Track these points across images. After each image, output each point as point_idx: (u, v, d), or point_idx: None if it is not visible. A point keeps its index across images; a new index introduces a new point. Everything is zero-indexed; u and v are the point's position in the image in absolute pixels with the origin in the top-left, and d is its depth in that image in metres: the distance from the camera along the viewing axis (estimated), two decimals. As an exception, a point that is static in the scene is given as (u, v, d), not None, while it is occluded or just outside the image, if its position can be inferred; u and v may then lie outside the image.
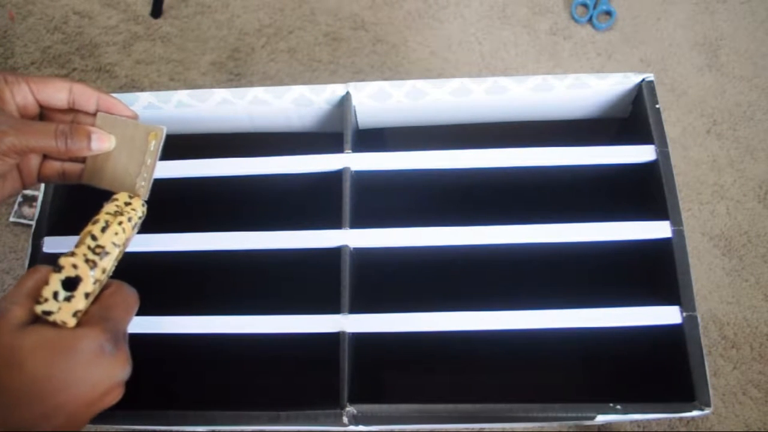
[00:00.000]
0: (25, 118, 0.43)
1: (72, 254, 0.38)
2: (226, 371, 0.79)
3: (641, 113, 0.60)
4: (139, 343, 0.51)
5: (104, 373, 0.36)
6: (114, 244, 0.40)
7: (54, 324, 0.36)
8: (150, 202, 0.46)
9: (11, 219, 1.00)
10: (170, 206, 0.61)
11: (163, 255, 0.57)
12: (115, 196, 0.43)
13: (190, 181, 0.59)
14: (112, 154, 0.45)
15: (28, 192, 1.01)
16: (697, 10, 1.11)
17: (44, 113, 0.45)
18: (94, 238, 0.39)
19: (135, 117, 0.46)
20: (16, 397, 0.33)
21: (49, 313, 0.36)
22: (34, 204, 1.01)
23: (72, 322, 0.36)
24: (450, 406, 0.51)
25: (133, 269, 0.44)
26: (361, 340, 0.56)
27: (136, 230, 0.43)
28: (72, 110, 0.45)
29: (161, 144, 0.45)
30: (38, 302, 0.36)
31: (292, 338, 0.55)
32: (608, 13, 1.11)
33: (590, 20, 1.10)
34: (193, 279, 0.70)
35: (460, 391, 0.77)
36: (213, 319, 0.55)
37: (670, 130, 1.01)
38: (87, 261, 0.38)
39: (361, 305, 0.56)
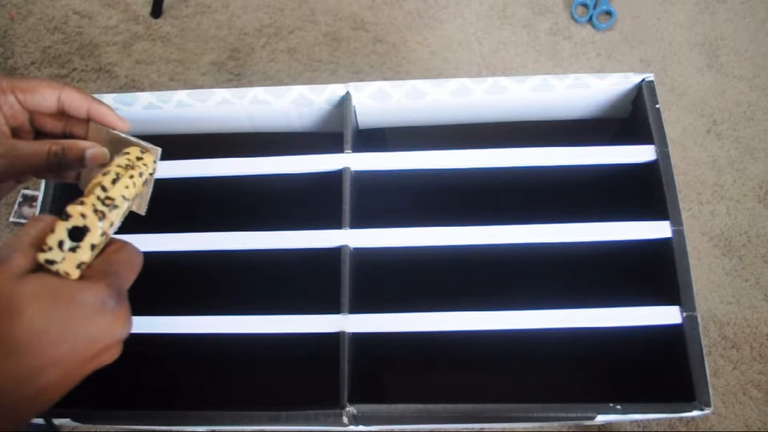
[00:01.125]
0: (13, 126, 0.43)
1: (81, 203, 0.36)
2: (226, 371, 0.79)
3: (641, 113, 0.60)
4: (139, 343, 0.51)
5: (104, 329, 0.35)
6: (123, 197, 0.39)
7: (56, 274, 0.34)
8: (150, 203, 0.45)
9: (11, 219, 1.00)
10: (170, 206, 0.61)
11: (163, 255, 0.57)
12: (126, 150, 0.42)
13: (190, 181, 0.59)
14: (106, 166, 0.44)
15: (28, 192, 1.01)
16: (697, 10, 1.11)
17: (34, 117, 0.44)
18: (104, 189, 0.38)
19: (126, 128, 0.45)
20: (11, 347, 0.32)
21: (52, 262, 0.34)
22: (34, 204, 1.01)
23: (75, 273, 0.35)
24: (450, 406, 0.51)
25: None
26: (361, 340, 0.56)
27: (149, 188, 0.43)
28: (63, 115, 0.44)
29: (156, 164, 0.44)
30: (41, 250, 0.34)
31: (292, 338, 0.54)
32: (608, 13, 1.11)
33: (590, 20, 1.10)
34: (193, 279, 0.70)
35: (460, 391, 0.77)
36: (213, 319, 0.55)
37: (670, 130, 1.01)
38: (96, 211, 0.36)
39: (361, 305, 0.56)
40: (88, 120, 0.44)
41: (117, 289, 0.35)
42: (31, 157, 0.41)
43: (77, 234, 0.36)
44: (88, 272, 0.36)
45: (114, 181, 0.39)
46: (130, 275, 0.37)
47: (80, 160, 0.42)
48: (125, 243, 0.38)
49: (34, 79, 0.43)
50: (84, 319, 0.34)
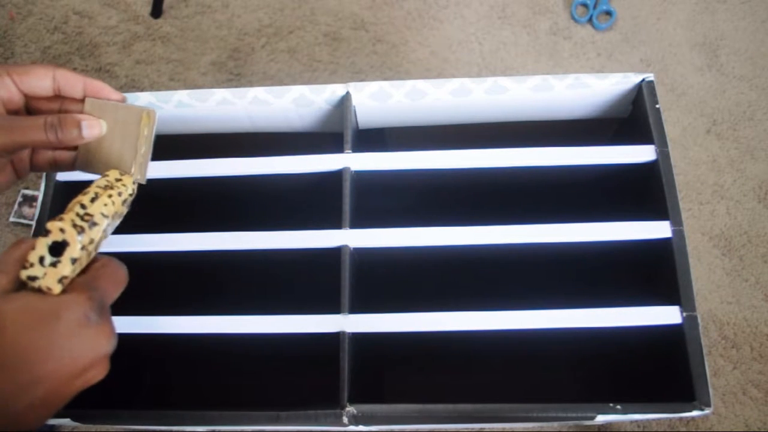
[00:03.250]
0: (10, 110, 0.43)
1: (60, 219, 0.38)
2: (226, 371, 0.79)
3: (641, 113, 0.60)
4: (139, 343, 0.51)
5: (88, 344, 0.35)
6: (103, 214, 0.40)
7: (39, 291, 0.35)
8: (150, 202, 0.46)
9: (11, 219, 1.00)
10: (170, 206, 0.61)
11: (163, 255, 0.57)
12: (106, 173, 0.44)
13: (191, 181, 0.59)
14: (104, 140, 0.45)
15: (28, 192, 1.01)
16: (697, 10, 1.11)
17: (30, 102, 0.44)
18: (83, 206, 0.39)
19: (123, 100, 0.45)
20: None
21: (34, 278, 0.36)
22: (34, 204, 1.01)
23: (57, 288, 0.36)
24: (450, 406, 0.51)
25: (133, 269, 0.44)
26: (361, 340, 0.56)
27: (126, 208, 0.43)
28: (58, 97, 0.44)
29: (154, 126, 0.45)
30: (24, 267, 0.36)
31: (292, 338, 0.54)
32: (608, 13, 1.11)
33: (590, 20, 1.10)
34: (193, 279, 0.70)
35: (460, 391, 0.77)
36: (213, 319, 0.55)
37: (670, 130, 1.01)
38: (75, 226, 0.38)
39: (361, 305, 0.56)
40: (83, 99, 0.45)
41: (99, 302, 0.36)
42: (28, 127, 0.41)
43: (57, 249, 0.37)
44: (69, 287, 0.36)
45: (93, 200, 0.40)
46: (112, 290, 0.38)
47: (78, 134, 0.43)
48: (109, 259, 0.39)
49: (29, 64, 0.44)
50: (67, 334, 0.34)
